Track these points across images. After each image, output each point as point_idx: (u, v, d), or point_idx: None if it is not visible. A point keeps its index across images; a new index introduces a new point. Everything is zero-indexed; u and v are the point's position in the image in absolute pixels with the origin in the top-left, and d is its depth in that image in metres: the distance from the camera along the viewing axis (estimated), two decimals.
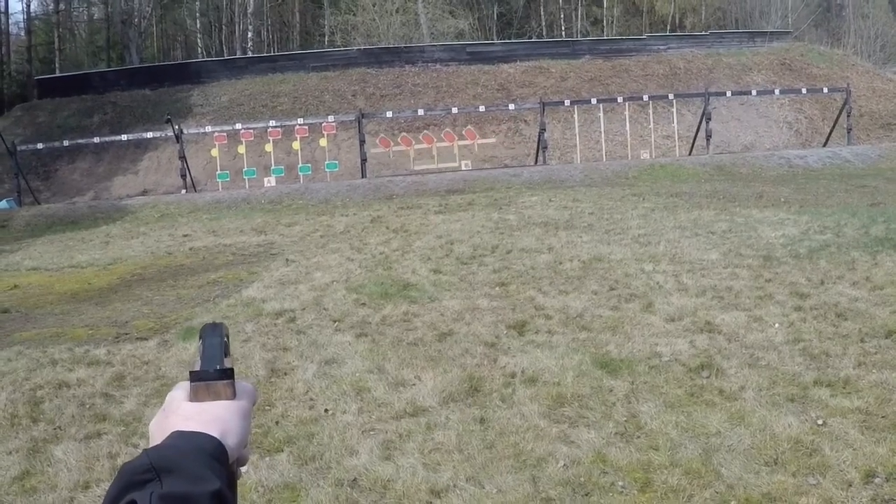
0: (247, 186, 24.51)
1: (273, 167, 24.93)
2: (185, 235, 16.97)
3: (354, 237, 14.70)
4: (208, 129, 27.17)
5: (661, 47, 38.86)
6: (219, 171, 24.98)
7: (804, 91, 30.00)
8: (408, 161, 25.97)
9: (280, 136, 25.45)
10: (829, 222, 12.72)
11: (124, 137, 27.54)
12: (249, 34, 49.71)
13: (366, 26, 44.23)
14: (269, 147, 25.17)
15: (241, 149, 25.18)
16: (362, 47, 39.18)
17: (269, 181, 24.38)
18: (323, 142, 25.61)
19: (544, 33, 53.97)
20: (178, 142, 25.24)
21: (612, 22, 55.87)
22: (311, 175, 25.33)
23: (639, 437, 5.23)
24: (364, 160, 24.93)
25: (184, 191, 24.87)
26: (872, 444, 4.88)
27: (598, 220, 14.57)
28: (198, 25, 53.22)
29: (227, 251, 14.50)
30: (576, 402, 5.86)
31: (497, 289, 9.69)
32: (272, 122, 26.38)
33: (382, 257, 12.22)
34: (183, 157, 25.09)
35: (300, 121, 26.13)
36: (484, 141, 27.30)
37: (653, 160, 24.82)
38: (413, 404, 5.99)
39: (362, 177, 24.55)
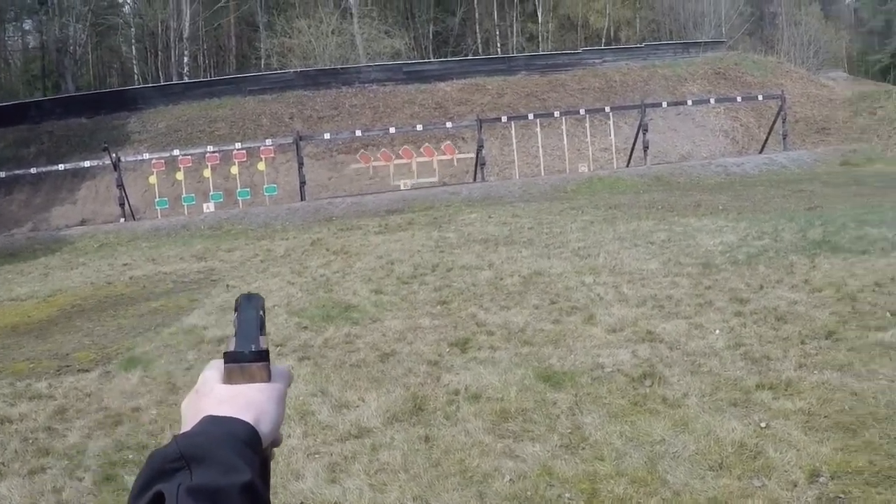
0: (186, 213, 24.27)
1: (212, 193, 24.73)
2: (125, 264, 16.74)
3: (295, 261, 14.61)
4: (146, 156, 26.82)
5: (597, 61, 39.19)
6: (157, 199, 24.74)
7: (739, 99, 30.41)
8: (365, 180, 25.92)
9: (218, 162, 25.28)
10: (767, 228, 12.91)
11: (61, 167, 27.12)
12: (185, 59, 49.25)
13: (302, 48, 44.05)
14: (207, 173, 24.93)
15: (180, 175, 24.94)
16: (298, 69, 38.99)
17: (209, 207, 24.16)
18: (261, 166, 25.44)
19: (480, 50, 54.18)
20: (115, 170, 24.91)
21: (548, 37, 56.25)
22: (250, 199, 25.16)
23: (584, 448, 5.24)
24: (303, 183, 24.80)
25: (122, 219, 24.53)
26: (816, 443, 4.95)
27: (537, 234, 14.64)
28: (133, 52, 52.72)
29: (167, 279, 14.33)
30: (520, 417, 5.86)
31: (438, 307, 9.68)
32: (210, 148, 26.13)
33: (323, 280, 12.16)
34: (121, 186, 24.77)
35: (238, 145, 25.94)
36: (422, 159, 27.28)
37: (591, 173, 25.02)
38: (357, 426, 5.95)
39: (301, 200, 24.42)
